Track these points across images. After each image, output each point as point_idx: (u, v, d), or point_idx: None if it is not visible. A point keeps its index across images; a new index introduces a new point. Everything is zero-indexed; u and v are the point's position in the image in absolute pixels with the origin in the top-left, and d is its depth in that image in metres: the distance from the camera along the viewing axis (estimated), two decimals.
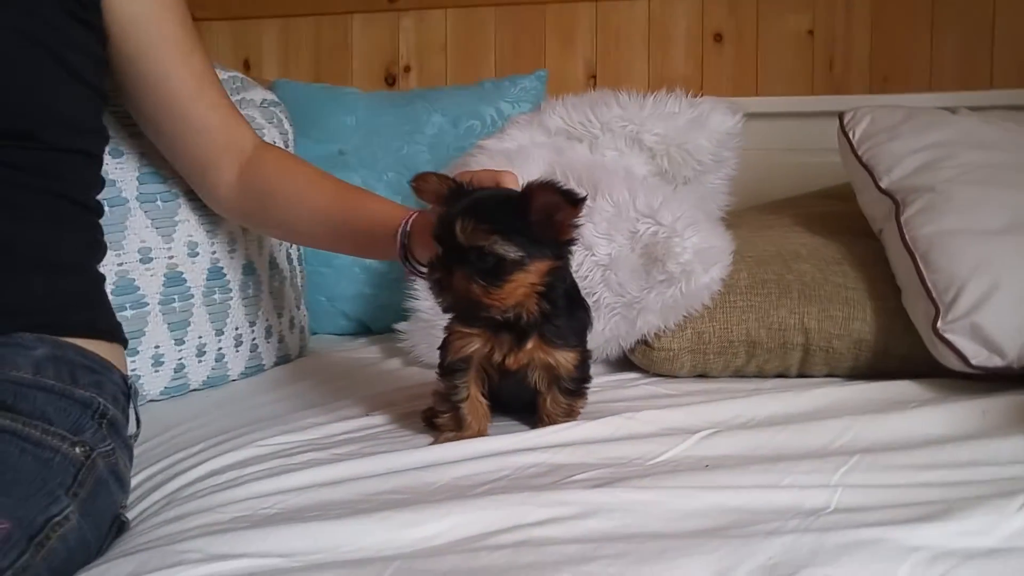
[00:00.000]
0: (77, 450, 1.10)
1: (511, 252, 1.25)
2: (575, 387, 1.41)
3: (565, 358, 1.37)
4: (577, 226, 1.32)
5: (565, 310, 1.37)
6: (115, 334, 1.32)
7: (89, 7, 1.35)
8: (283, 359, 2.01)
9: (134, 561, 0.95)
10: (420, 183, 1.33)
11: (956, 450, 1.26)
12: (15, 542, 0.94)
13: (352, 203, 1.55)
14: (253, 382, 1.87)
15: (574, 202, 1.26)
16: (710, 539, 0.96)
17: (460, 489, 1.15)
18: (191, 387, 1.76)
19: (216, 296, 1.78)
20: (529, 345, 1.34)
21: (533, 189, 1.26)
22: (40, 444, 1.06)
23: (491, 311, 1.29)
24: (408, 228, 1.44)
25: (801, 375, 1.81)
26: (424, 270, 1.36)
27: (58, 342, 1.20)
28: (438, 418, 1.41)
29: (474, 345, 1.36)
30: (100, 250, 1.38)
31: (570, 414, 1.42)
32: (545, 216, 1.27)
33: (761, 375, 1.81)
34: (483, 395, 1.40)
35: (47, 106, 1.26)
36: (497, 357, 1.35)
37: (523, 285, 1.28)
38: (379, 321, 2.34)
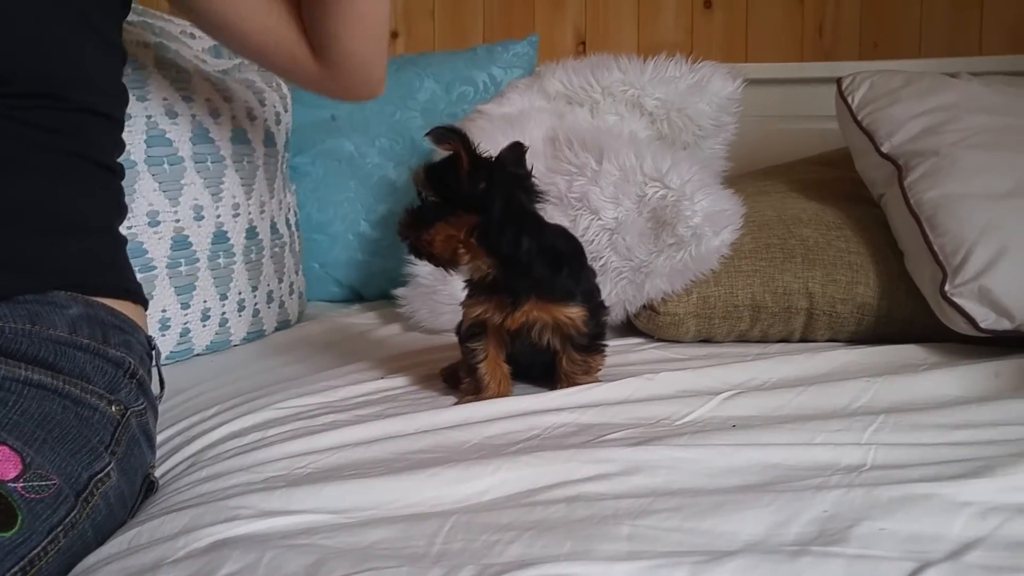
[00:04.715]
0: (113, 408, 1.09)
1: (429, 196, 1.32)
2: (588, 342, 1.41)
3: (569, 314, 1.37)
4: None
5: (570, 265, 1.39)
6: (139, 295, 1.31)
7: None
8: (283, 324, 2.01)
9: (186, 516, 0.95)
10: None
11: (979, 410, 1.27)
12: (64, 498, 0.94)
13: None
14: (256, 347, 1.86)
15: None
16: (761, 493, 0.96)
17: (494, 448, 1.16)
18: (195, 352, 1.76)
19: (220, 260, 1.77)
20: (525, 307, 1.35)
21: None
22: (80, 402, 1.05)
23: (422, 254, 1.35)
24: None
25: (803, 340, 1.82)
26: None
27: (89, 302, 1.18)
28: (462, 383, 1.43)
29: (478, 309, 1.38)
30: (122, 212, 1.37)
31: (588, 372, 1.43)
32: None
33: (764, 340, 1.82)
34: (504, 360, 1.41)
35: (74, 67, 1.24)
36: (497, 319, 1.36)
37: (442, 234, 1.32)
38: (372, 288, 2.34)
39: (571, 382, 1.41)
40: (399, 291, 1.99)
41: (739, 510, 0.92)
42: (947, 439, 1.16)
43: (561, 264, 1.38)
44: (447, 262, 1.35)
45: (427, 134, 1.31)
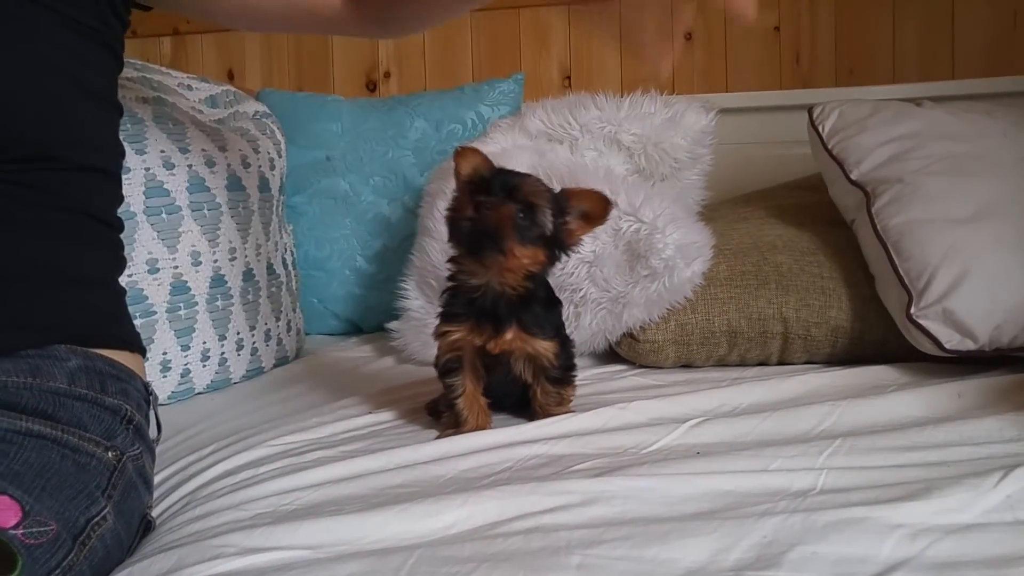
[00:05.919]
0: (110, 454, 1.16)
1: (548, 226, 1.37)
2: (561, 375, 1.48)
3: (544, 346, 1.44)
4: (581, 241, 1.46)
5: (544, 301, 1.46)
6: (136, 344, 1.38)
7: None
8: (281, 361, 2.08)
9: (174, 556, 1.02)
10: (464, 156, 1.42)
11: (933, 432, 1.33)
12: (62, 542, 1.01)
13: None
14: (254, 384, 1.94)
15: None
16: (708, 521, 1.03)
17: (468, 481, 1.22)
18: (196, 391, 1.83)
19: (219, 303, 1.85)
20: (509, 334, 1.42)
21: (592, 194, 1.45)
22: (77, 450, 1.12)
23: (502, 259, 1.36)
24: None
25: (781, 363, 1.88)
26: None
27: (88, 353, 1.25)
28: (442, 417, 1.50)
29: (458, 334, 1.44)
30: (121, 265, 1.43)
31: (562, 403, 1.50)
32: (576, 219, 1.41)
33: (743, 363, 1.89)
34: (481, 392, 1.48)
35: (72, 129, 1.30)
36: (478, 342, 1.43)
37: (529, 258, 1.37)
38: (369, 321, 2.42)
39: (547, 413, 1.48)
40: (392, 324, 2.08)
41: (684, 537, 0.98)
42: (898, 461, 1.22)
43: (551, 304, 1.48)
44: (498, 265, 1.38)
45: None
